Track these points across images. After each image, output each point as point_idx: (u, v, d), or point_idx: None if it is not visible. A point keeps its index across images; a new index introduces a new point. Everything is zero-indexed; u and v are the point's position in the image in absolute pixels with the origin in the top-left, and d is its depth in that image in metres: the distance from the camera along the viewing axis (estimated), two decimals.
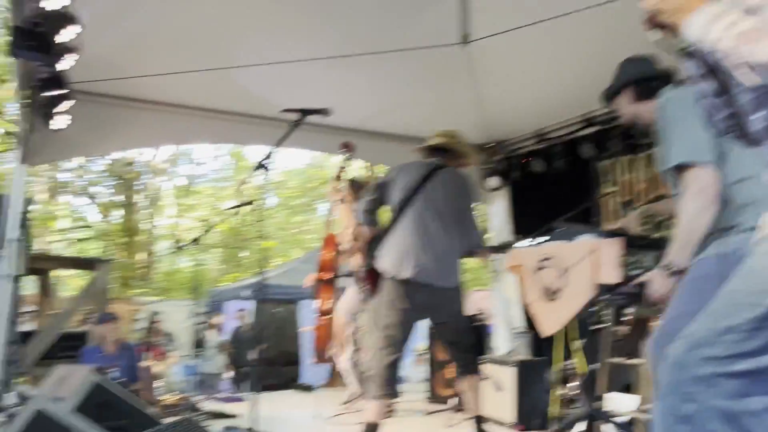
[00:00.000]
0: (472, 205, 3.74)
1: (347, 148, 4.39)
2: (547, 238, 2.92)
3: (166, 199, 24.48)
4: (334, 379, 7.40)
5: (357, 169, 7.07)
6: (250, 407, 2.84)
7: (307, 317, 9.49)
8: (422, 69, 4.79)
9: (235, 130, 5.64)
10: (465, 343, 3.50)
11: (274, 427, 3.32)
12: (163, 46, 4.47)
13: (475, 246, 3.63)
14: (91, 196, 22.63)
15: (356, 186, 4.71)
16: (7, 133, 14.04)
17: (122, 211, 20.97)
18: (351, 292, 4.78)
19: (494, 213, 6.64)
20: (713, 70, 1.40)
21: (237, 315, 9.54)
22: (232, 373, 9.05)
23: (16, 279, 4.72)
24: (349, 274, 4.41)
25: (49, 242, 20.26)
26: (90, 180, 22.33)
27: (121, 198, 21.00)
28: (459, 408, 4.61)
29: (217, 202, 24.12)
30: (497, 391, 4.32)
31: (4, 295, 4.60)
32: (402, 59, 4.43)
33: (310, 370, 8.12)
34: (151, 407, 3.92)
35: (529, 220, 5.51)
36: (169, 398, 4.69)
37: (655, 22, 1.37)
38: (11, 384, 4.55)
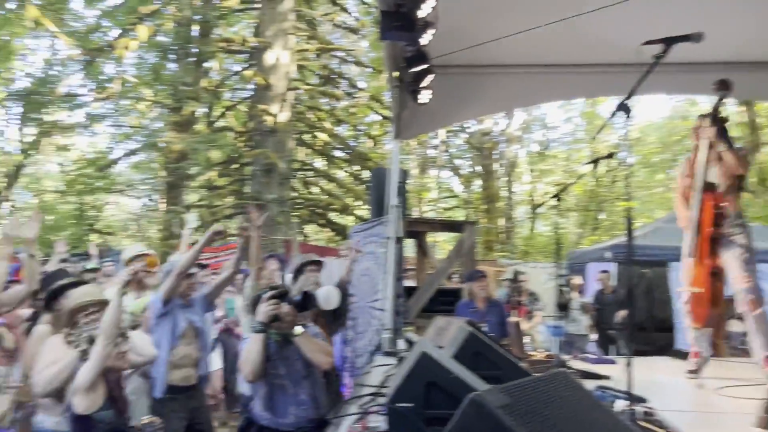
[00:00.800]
0: None
1: (723, 86, 3.75)
2: None
3: (521, 166, 25.18)
4: (718, 346, 6.57)
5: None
6: (622, 370, 2.66)
7: (679, 279, 8.67)
8: None
9: (587, 82, 5.37)
10: None
11: (652, 393, 3.06)
12: (507, 8, 4.46)
13: None
14: (454, 169, 24.65)
15: (721, 124, 3.97)
16: (384, 118, 16.13)
17: (481, 180, 22.27)
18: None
19: None
20: None
21: (599, 277, 9.23)
22: (596, 336, 8.86)
23: (398, 240, 5.37)
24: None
25: (422, 212, 22.76)
26: (452, 154, 24.34)
27: (480, 168, 22.30)
28: None
29: (571, 166, 23.82)
30: None
31: (390, 255, 5.29)
32: None
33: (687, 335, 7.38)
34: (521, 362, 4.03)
35: None
36: (537, 355, 4.77)
37: None
38: (400, 332, 5.23)
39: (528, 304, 7.78)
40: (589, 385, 3.20)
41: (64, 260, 5.77)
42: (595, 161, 4.20)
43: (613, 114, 2.64)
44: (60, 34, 14.98)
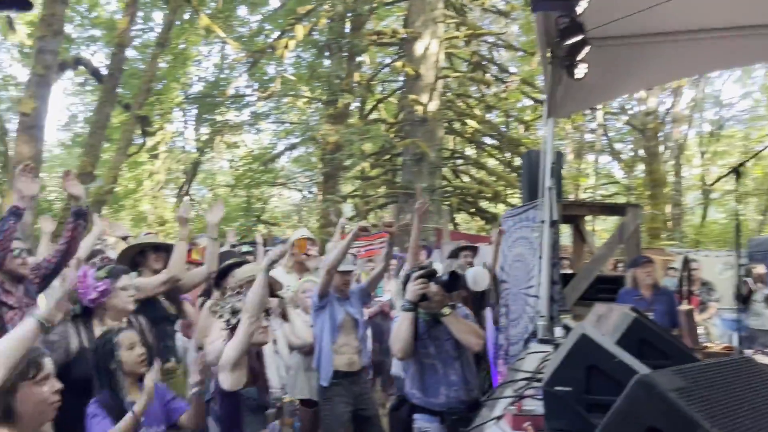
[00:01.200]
0: None
1: None
2: None
3: (691, 148, 23.18)
4: None
5: None
6: None
7: None
8: None
9: (763, 47, 4.74)
10: None
11: None
12: None
13: None
14: (614, 153, 23.23)
15: None
16: (536, 102, 15.60)
17: (644, 165, 20.77)
18: None
19: None
20: None
21: None
22: None
23: (554, 224, 5.13)
24: None
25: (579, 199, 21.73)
26: (611, 138, 22.96)
27: (643, 151, 20.80)
28: None
29: (750, 146, 21.45)
30: None
31: (545, 239, 5.07)
32: None
33: None
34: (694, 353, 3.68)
35: None
36: (713, 346, 4.34)
37: None
38: (557, 319, 5.00)
39: (701, 295, 7.11)
40: None
41: (233, 247, 6.25)
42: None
43: None
44: (228, 40, 16.26)
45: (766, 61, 10.84)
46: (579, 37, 4.25)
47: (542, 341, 4.54)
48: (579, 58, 4.55)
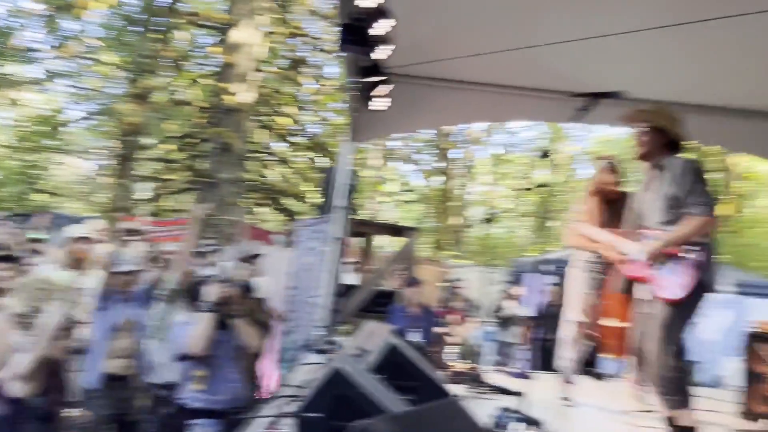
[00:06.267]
0: None
1: None
2: None
3: (481, 167, 25.55)
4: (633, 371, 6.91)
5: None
6: (532, 389, 2.84)
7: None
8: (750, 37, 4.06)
9: (542, 107, 5.57)
10: None
11: (551, 414, 3.26)
12: (472, 29, 4.61)
13: None
14: (416, 163, 24.83)
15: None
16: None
17: (442, 178, 22.50)
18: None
19: None
20: None
21: (550, 290, 9.40)
22: (528, 347, 9.08)
23: (340, 241, 5.51)
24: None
25: (379, 203, 22.90)
26: (417, 148, 24.51)
27: (442, 165, 22.52)
28: None
29: (530, 171, 24.29)
30: None
31: (330, 254, 5.44)
32: (725, 26, 3.83)
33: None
34: (441, 371, 4.22)
35: None
36: (458, 365, 4.98)
37: None
38: (334, 330, 5.38)
39: (464, 309, 8.00)
40: (497, 403, 3.40)
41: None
42: (545, 154, 4.40)
43: (544, 155, 2.81)
44: None
45: (529, 119, 12.41)
46: (378, 77, 4.64)
47: (318, 351, 4.84)
48: (377, 93, 4.95)
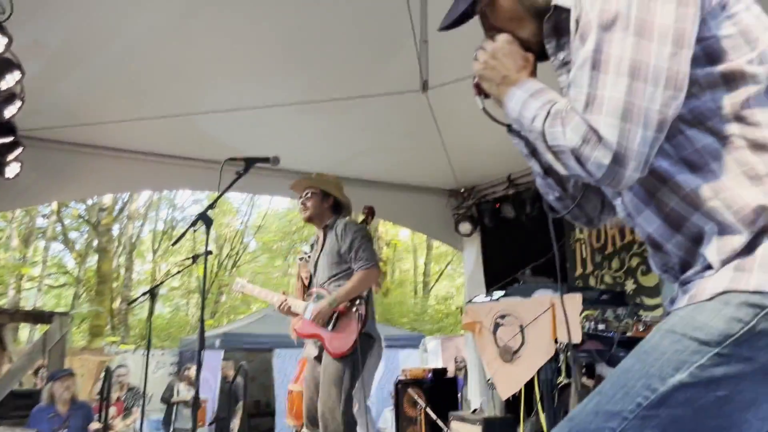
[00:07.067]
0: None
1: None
2: (502, 293, 2.77)
3: (143, 245, 24.16)
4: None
5: None
6: None
7: (284, 367, 9.18)
8: (387, 116, 4.72)
9: (199, 175, 5.49)
10: None
11: None
12: (119, 93, 4.37)
13: None
14: (67, 242, 22.26)
15: None
16: None
17: (97, 257, 20.55)
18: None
19: (467, 258, 6.53)
20: (535, 150, 1.28)
21: (212, 366, 9.18)
22: (205, 429, 8.67)
23: None
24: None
25: (22, 289, 19.79)
26: (67, 225, 22.01)
27: (97, 243, 20.61)
28: None
29: (198, 246, 23.79)
30: None
31: None
32: (367, 106, 4.38)
33: (285, 424, 7.79)
34: None
35: (502, 266, 5.41)
36: None
37: (480, 89, 1.24)
38: None
39: (126, 400, 7.25)
40: None
41: None
42: (195, 258, 4.27)
43: (194, 222, 2.71)
44: None
45: (186, 188, 12.37)
46: (8, 139, 4.03)
47: None
48: (9, 158, 4.29)
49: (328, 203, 3.82)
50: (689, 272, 1.07)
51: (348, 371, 3.43)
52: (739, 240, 0.97)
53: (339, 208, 3.88)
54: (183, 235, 2.88)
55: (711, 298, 0.97)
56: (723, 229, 0.99)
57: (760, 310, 0.92)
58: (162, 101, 4.48)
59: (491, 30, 1.23)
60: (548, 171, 1.32)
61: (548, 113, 1.06)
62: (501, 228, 6.02)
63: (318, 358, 3.63)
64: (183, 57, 3.94)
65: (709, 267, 1.01)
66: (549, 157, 1.07)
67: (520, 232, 5.61)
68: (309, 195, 3.79)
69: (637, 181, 1.02)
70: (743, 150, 0.98)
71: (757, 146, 0.98)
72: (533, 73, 1.18)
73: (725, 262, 0.98)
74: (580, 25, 1.02)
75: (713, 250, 1.00)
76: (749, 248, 0.96)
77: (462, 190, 6.37)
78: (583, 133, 0.98)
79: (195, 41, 3.78)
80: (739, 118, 0.99)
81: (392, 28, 3.63)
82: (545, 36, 1.18)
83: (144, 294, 4.66)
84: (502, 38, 1.19)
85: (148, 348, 4.33)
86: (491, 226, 6.14)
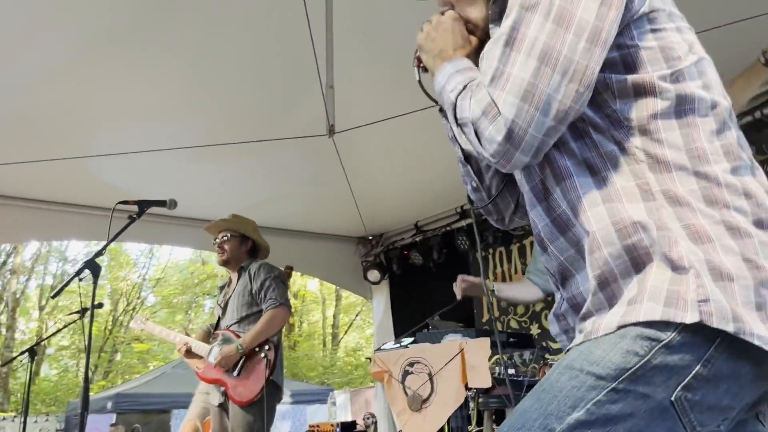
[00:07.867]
0: None
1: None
2: (411, 340, 2.71)
3: (29, 301, 22.42)
4: None
5: None
6: None
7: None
8: (293, 161, 4.65)
9: (90, 224, 5.14)
10: None
11: None
12: (2, 133, 4.04)
13: None
14: None
15: None
16: None
17: None
18: None
19: (376, 307, 6.46)
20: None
21: (109, 430, 8.48)
22: None
23: None
24: None
25: None
26: None
27: None
28: None
29: (86, 300, 22.28)
30: None
31: None
32: (272, 151, 4.29)
33: None
34: None
35: (410, 313, 5.37)
36: None
37: (420, 62, 1.24)
38: None
39: None
40: None
41: None
42: (83, 311, 3.95)
43: (80, 271, 2.50)
44: None
45: (74, 239, 11.69)
46: None
47: None
48: None
49: (246, 246, 3.78)
50: (574, 289, 1.05)
51: (258, 421, 3.25)
52: (615, 254, 0.95)
53: (256, 251, 3.83)
54: (66, 284, 2.64)
55: (607, 334, 0.93)
56: (597, 242, 0.97)
57: (656, 344, 0.88)
58: (50, 143, 4.19)
59: (444, 5, 1.24)
60: (468, 158, 1.30)
61: (464, 87, 1.06)
62: (409, 275, 6.02)
63: (222, 406, 3.44)
64: (75, 97, 3.71)
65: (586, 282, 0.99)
66: (456, 130, 1.06)
67: (428, 278, 5.62)
68: (227, 238, 3.72)
69: (539, 174, 1.03)
70: (642, 164, 0.98)
71: (656, 162, 0.98)
72: (471, 57, 1.17)
73: (599, 278, 0.96)
74: (508, 3, 1.03)
75: (591, 262, 0.98)
76: (628, 271, 0.94)
77: (370, 238, 6.35)
78: (484, 106, 0.98)
79: (89, 81, 3.57)
80: (644, 132, 0.99)
81: (298, 72, 3.59)
82: (491, 20, 1.17)
83: (22, 353, 4.22)
84: (449, 14, 1.21)
85: (25, 414, 3.90)
86: (399, 274, 6.12)
